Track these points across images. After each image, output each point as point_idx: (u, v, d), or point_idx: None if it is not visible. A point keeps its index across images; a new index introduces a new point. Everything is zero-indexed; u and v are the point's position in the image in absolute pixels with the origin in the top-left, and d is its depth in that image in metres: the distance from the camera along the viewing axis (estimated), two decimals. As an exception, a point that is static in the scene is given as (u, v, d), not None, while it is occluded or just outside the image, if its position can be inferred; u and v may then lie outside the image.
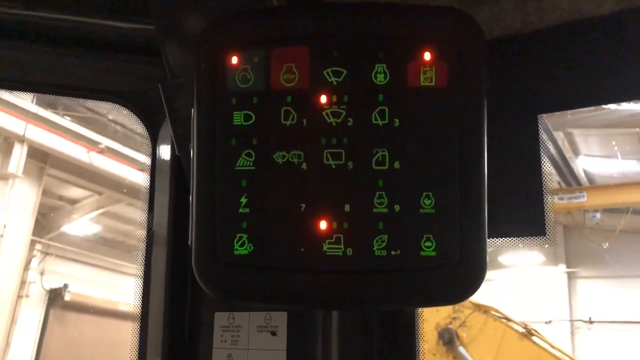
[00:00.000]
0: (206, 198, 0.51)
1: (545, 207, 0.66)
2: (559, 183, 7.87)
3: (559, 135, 7.27)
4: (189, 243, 0.53)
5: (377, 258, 0.49)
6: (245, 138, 0.51)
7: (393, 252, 0.49)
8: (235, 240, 0.51)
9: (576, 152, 7.94)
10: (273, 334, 0.72)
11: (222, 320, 0.75)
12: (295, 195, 0.50)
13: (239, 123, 0.51)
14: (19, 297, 7.72)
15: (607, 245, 9.15)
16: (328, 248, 0.50)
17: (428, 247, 0.49)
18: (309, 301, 0.53)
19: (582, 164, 8.22)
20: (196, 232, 0.51)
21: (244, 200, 0.51)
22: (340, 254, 0.50)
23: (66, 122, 6.89)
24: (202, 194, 0.52)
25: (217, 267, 0.51)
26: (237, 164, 0.51)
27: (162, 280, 0.78)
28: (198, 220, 0.51)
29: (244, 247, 0.50)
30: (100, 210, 8.53)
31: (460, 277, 0.50)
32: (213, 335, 0.75)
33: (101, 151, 7.08)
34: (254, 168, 0.51)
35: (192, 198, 0.52)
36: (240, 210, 0.51)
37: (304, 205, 0.50)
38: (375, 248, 0.49)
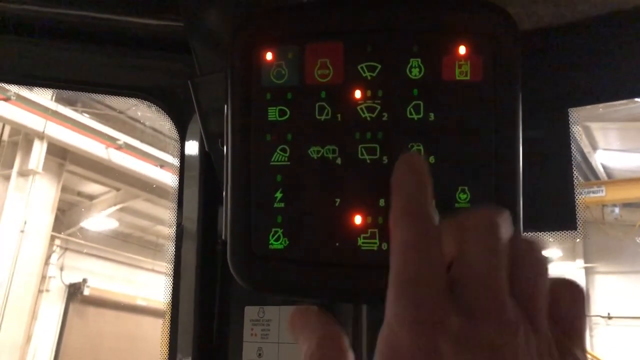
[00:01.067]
0: (241, 193, 0.52)
1: (577, 202, 0.66)
2: (577, 178, 7.79)
3: (577, 130, 7.18)
4: (223, 238, 0.54)
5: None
6: (280, 133, 0.51)
7: None
8: (271, 234, 0.51)
9: (594, 147, 7.85)
10: (303, 327, 0.73)
11: (252, 314, 0.76)
12: (330, 190, 0.51)
13: (274, 118, 0.52)
14: (40, 291, 7.83)
15: (626, 240, 9.04)
16: (363, 242, 0.50)
17: None
18: (344, 295, 0.53)
19: (600, 159, 8.13)
20: (231, 226, 0.52)
21: (279, 195, 0.51)
22: (376, 248, 0.50)
23: (85, 118, 6.96)
24: (237, 189, 0.52)
25: (253, 261, 0.51)
26: (272, 159, 0.51)
27: (192, 275, 0.79)
28: (233, 215, 0.52)
29: (279, 241, 0.51)
30: (118, 206, 8.61)
31: None
32: (243, 329, 0.76)
33: (119, 147, 7.14)
34: (288, 163, 0.51)
35: (226, 193, 0.53)
36: (275, 204, 0.51)
37: (338, 200, 0.50)
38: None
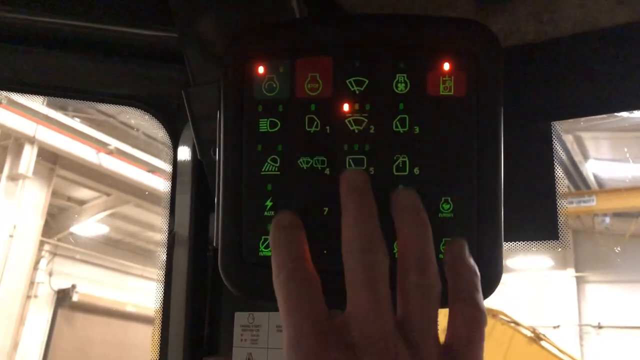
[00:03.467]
0: (232, 201, 0.53)
1: (558, 212, 0.68)
2: (568, 187, 7.85)
3: (569, 139, 7.25)
4: (214, 244, 0.55)
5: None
6: (270, 144, 0.53)
7: None
8: (261, 242, 0.52)
9: (586, 156, 7.92)
10: (292, 333, 0.74)
11: (242, 320, 0.77)
12: (319, 199, 0.52)
13: (265, 130, 0.53)
14: (28, 297, 7.77)
15: (617, 249, 9.10)
16: None
17: None
18: (333, 303, 0.55)
19: (591, 168, 8.20)
20: (222, 234, 0.53)
21: (269, 203, 0.53)
22: None
23: (76, 123, 6.94)
24: (229, 198, 0.53)
25: (244, 267, 0.52)
26: (263, 169, 0.53)
27: (183, 281, 0.80)
28: (224, 223, 0.53)
29: (270, 248, 0.52)
30: (109, 212, 8.58)
31: None
32: (233, 335, 0.77)
33: (110, 152, 7.12)
34: (279, 173, 0.53)
35: (218, 201, 0.54)
36: (266, 213, 0.52)
37: (327, 208, 0.52)
38: (395, 251, 0.51)
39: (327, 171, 0.52)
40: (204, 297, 0.81)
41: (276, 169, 0.53)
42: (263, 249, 0.52)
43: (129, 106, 0.88)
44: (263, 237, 0.52)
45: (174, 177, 0.86)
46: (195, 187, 0.82)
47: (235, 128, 0.54)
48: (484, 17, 0.61)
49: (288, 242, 0.47)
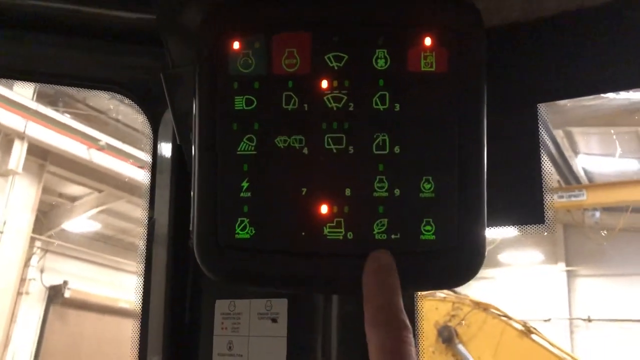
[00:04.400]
0: (207, 183, 0.52)
1: (545, 196, 0.67)
2: (558, 182, 7.88)
3: (559, 134, 7.27)
4: (190, 229, 0.53)
5: (377, 242, 0.50)
6: (246, 123, 0.51)
7: (393, 236, 0.50)
8: (237, 224, 0.51)
9: (576, 151, 7.95)
10: (274, 320, 0.73)
11: (223, 308, 0.76)
12: (297, 180, 0.51)
13: (241, 107, 0.52)
14: (19, 294, 7.73)
15: (606, 243, 9.15)
16: (329, 232, 0.50)
17: (428, 230, 0.50)
18: (310, 285, 0.53)
19: (581, 163, 8.23)
20: (198, 216, 0.52)
21: (245, 184, 0.51)
22: (341, 237, 0.50)
23: (66, 119, 6.89)
24: (204, 179, 0.52)
25: (219, 251, 0.51)
26: (239, 149, 0.51)
27: (163, 270, 0.78)
28: (199, 205, 0.52)
29: (245, 230, 0.51)
30: (101, 208, 8.53)
31: (459, 261, 0.50)
32: (214, 323, 0.76)
33: (101, 148, 7.08)
34: (255, 152, 0.51)
35: (193, 184, 0.53)
36: (242, 194, 0.51)
37: (305, 189, 0.51)
38: (375, 232, 0.50)
39: (305, 150, 0.51)
40: (184, 285, 0.79)
41: (252, 148, 0.51)
42: (239, 232, 0.51)
43: (107, 91, 0.86)
44: (239, 219, 0.51)
45: (154, 165, 0.85)
46: (176, 174, 0.81)
47: (209, 106, 0.52)
48: (468, -5, 0.59)
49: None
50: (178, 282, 0.79)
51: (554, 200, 0.69)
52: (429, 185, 0.50)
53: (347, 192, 0.50)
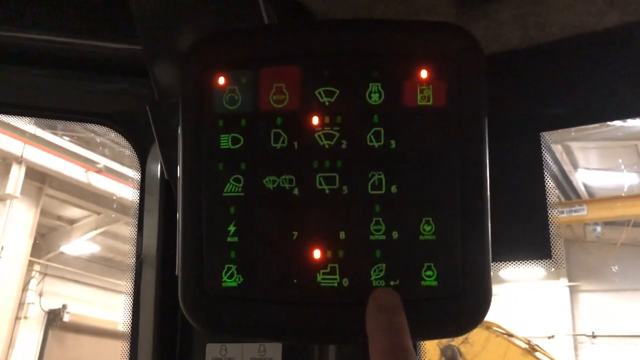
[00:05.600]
0: (192, 226, 0.48)
1: (551, 230, 0.63)
2: (558, 197, 7.87)
3: (558, 149, 7.27)
4: (176, 273, 0.50)
5: (375, 289, 0.46)
6: (233, 162, 0.48)
7: (392, 282, 0.46)
8: (224, 271, 0.48)
9: (575, 166, 7.94)
10: (267, 366, 0.69)
11: (214, 352, 0.72)
12: (287, 223, 0.48)
13: (227, 146, 0.49)
14: (17, 318, 7.66)
15: (608, 258, 9.11)
16: (322, 279, 0.47)
17: (429, 276, 0.46)
18: (304, 336, 0.50)
19: (581, 178, 8.22)
20: (182, 262, 0.48)
21: (232, 228, 0.48)
22: (336, 284, 0.47)
23: (64, 142, 6.89)
24: (188, 222, 0.49)
25: (205, 300, 0.48)
26: (225, 190, 0.48)
27: (151, 310, 0.75)
28: (184, 250, 0.49)
29: (233, 278, 0.47)
30: (99, 230, 8.50)
31: (464, 307, 0.47)
32: (205, 368, 0.72)
33: (99, 171, 7.06)
34: (242, 194, 0.48)
35: (178, 226, 0.49)
36: (229, 239, 0.48)
37: (296, 232, 0.47)
38: (372, 278, 0.46)
39: (295, 191, 0.48)
40: (173, 327, 0.75)
41: (239, 189, 0.48)
42: (226, 279, 0.48)
43: (94, 123, 0.83)
44: (226, 265, 0.48)
45: (142, 199, 0.81)
46: (164, 206, 0.77)
47: (194, 145, 0.49)
48: (465, 22, 0.57)
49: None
50: (167, 323, 0.75)
51: (555, 216, 0.66)
52: (429, 227, 0.47)
53: (342, 235, 0.47)
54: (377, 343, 0.42)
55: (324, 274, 0.47)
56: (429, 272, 0.47)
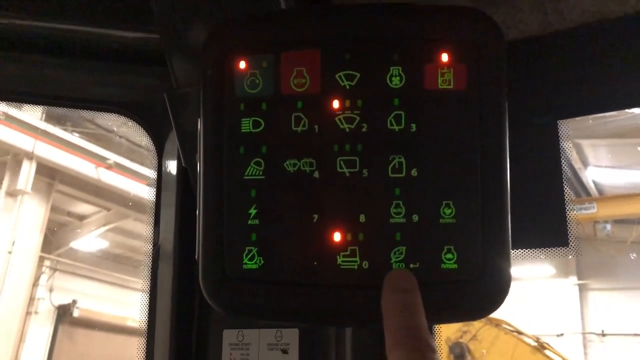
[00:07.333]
0: (213, 209, 0.49)
1: (568, 216, 0.63)
2: (568, 193, 7.81)
3: (568, 146, 7.21)
4: (196, 257, 0.50)
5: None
6: (254, 146, 0.49)
7: (412, 265, 0.47)
8: (245, 253, 0.48)
9: (585, 163, 7.88)
10: (284, 351, 0.70)
11: (231, 338, 0.72)
12: (307, 206, 0.48)
13: (248, 130, 0.49)
14: (28, 313, 7.71)
15: (618, 256, 9.05)
16: (342, 261, 0.47)
17: (449, 259, 0.47)
18: (323, 318, 0.50)
19: (591, 175, 8.16)
20: (203, 245, 0.49)
21: (253, 211, 0.48)
22: (356, 267, 0.47)
23: (75, 138, 6.92)
24: (209, 205, 0.49)
25: (226, 282, 0.48)
26: (246, 173, 0.49)
27: (168, 297, 0.75)
28: (205, 233, 0.49)
29: (254, 260, 0.48)
30: (109, 226, 8.54)
31: (482, 292, 0.47)
32: (222, 354, 0.72)
33: (109, 167, 7.09)
34: (263, 177, 0.48)
35: (199, 210, 0.50)
36: (249, 221, 0.48)
37: (316, 216, 0.48)
38: (392, 261, 0.47)
39: (315, 174, 0.48)
40: (190, 314, 0.76)
41: (260, 172, 0.48)
42: (247, 262, 0.48)
43: (112, 113, 0.83)
44: (247, 248, 0.48)
45: (159, 187, 0.82)
46: (181, 196, 0.78)
47: (215, 129, 0.49)
48: (484, 9, 0.56)
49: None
50: (184, 310, 0.76)
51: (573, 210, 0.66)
52: (449, 211, 0.47)
53: (362, 218, 0.47)
54: (391, 322, 0.42)
55: (344, 256, 0.47)
56: (449, 255, 0.47)
